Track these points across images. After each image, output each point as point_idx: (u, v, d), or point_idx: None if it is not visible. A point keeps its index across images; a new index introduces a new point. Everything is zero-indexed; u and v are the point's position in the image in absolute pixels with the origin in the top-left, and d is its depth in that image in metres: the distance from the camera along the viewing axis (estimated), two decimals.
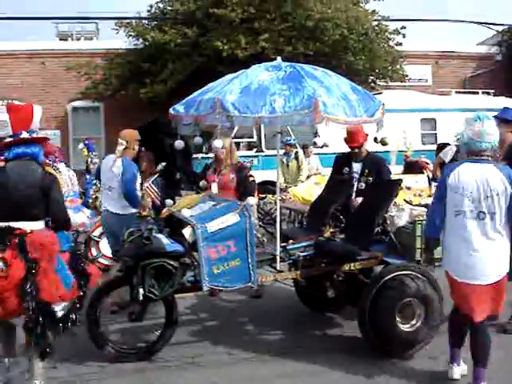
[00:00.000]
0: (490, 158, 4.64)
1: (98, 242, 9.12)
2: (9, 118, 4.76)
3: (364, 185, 6.63)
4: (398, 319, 5.39)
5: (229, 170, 6.98)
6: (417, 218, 5.83)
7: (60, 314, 4.49)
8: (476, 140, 4.57)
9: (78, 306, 4.69)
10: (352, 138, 6.68)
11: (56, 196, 4.59)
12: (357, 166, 6.77)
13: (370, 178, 6.60)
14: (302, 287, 6.25)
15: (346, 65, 16.39)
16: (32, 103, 5.02)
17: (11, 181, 4.48)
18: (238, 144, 12.75)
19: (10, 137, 4.75)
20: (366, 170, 6.66)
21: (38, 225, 4.49)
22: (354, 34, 16.15)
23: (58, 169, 8.79)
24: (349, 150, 6.89)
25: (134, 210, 6.44)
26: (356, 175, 6.71)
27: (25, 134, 4.66)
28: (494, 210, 4.50)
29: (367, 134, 6.67)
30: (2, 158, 4.91)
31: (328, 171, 11.07)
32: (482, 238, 4.55)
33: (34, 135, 4.71)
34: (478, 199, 4.52)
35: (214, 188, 6.88)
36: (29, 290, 4.26)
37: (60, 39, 21.87)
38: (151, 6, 17.90)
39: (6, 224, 4.39)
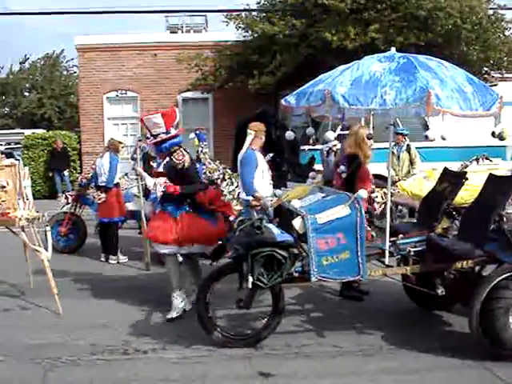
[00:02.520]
0: None
1: None
2: (162, 120, 6.41)
3: None
4: (510, 321, 5.16)
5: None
6: None
7: None
8: None
9: None
10: None
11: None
12: None
13: None
14: (410, 283, 6.12)
15: (459, 55, 15.88)
16: (173, 108, 7.05)
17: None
18: (344, 136, 12.56)
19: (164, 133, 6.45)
20: None
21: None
22: (468, 23, 15.59)
23: None
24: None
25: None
26: None
27: (172, 131, 6.45)
28: None
29: None
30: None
31: (429, 166, 10.78)
32: None
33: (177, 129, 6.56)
34: None
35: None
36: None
37: (170, 32, 22.52)
38: None
39: None
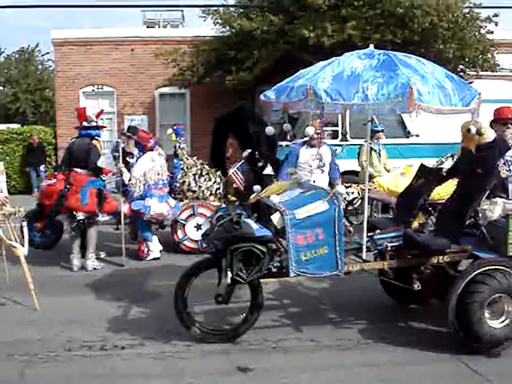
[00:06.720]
0: None
1: (184, 225, 9.33)
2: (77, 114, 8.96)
3: None
4: (486, 315, 5.24)
5: None
6: (510, 212, 5.65)
7: (79, 217, 8.29)
8: None
9: (89, 218, 8.42)
10: (507, 111, 6.24)
11: (92, 156, 8.36)
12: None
13: None
14: (387, 278, 6.17)
15: (435, 53, 15.97)
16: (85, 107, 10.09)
17: (75, 146, 8.58)
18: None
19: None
20: None
21: (81, 170, 8.38)
22: (444, 21, 15.69)
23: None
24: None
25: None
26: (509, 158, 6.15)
27: (84, 123, 8.63)
28: None
29: None
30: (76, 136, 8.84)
31: (405, 162, 10.86)
32: None
33: (92, 124, 8.64)
34: None
35: None
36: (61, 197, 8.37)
37: (147, 27, 22.37)
38: None
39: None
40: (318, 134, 7.65)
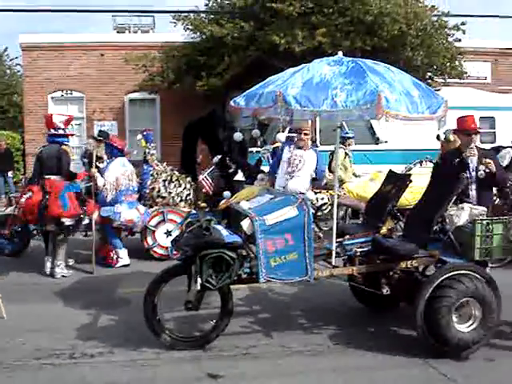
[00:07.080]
0: None
1: (153, 232, 9.28)
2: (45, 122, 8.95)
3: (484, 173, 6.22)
4: (454, 319, 5.31)
5: None
6: (476, 218, 5.75)
7: (67, 223, 8.20)
8: None
9: (77, 222, 8.47)
10: (470, 121, 6.38)
11: (63, 161, 8.36)
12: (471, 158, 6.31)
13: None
14: (356, 283, 6.22)
15: (404, 61, 16.18)
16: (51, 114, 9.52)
17: (45, 154, 8.49)
18: (291, 138, 12.68)
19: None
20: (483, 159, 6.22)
21: (55, 177, 8.31)
22: (413, 29, 15.94)
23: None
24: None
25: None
26: (471, 164, 6.28)
27: (52, 131, 8.60)
28: None
29: None
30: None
31: (375, 168, 10.97)
32: None
33: (60, 131, 8.60)
34: None
35: None
36: (43, 208, 8.13)
37: (117, 32, 22.20)
38: (209, 0, 18.01)
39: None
40: (306, 134, 7.59)
